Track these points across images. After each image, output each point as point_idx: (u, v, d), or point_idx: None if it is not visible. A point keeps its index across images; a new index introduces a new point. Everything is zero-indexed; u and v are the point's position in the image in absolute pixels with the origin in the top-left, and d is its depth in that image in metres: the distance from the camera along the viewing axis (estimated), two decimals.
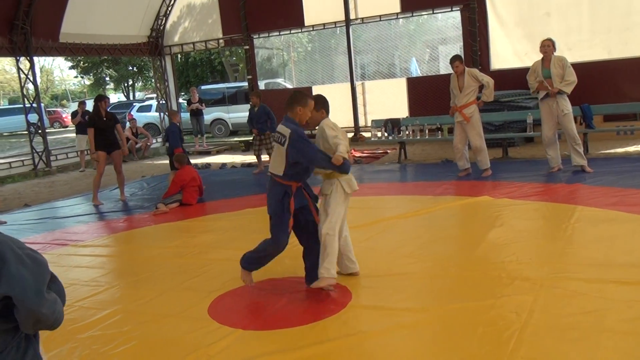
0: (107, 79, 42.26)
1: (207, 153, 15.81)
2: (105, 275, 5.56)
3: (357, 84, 14.83)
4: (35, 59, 14.79)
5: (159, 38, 17.39)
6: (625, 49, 11.55)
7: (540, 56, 8.03)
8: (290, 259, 4.89)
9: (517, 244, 5.11)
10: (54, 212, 9.00)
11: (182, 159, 8.92)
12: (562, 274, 4.28)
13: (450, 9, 13.27)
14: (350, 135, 13.66)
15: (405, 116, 12.91)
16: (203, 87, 22.43)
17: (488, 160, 8.50)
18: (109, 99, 9.65)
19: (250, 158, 12.72)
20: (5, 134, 32.58)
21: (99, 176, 9.19)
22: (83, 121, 13.46)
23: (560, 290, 3.98)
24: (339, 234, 4.36)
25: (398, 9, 13.72)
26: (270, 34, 15.96)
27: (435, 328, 3.65)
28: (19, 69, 14.17)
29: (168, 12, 17.06)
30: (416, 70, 16.36)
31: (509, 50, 12.76)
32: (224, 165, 12.79)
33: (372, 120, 12.36)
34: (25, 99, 14.40)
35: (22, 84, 14.32)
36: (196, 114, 16.39)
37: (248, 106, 10.98)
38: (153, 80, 21.77)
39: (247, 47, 16.09)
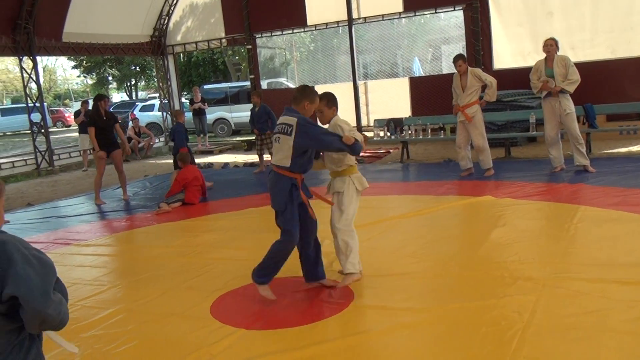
0: (110, 78, 42.31)
1: (210, 152, 15.82)
2: (108, 275, 5.57)
3: (360, 83, 14.82)
4: (38, 58, 14.83)
5: (161, 37, 17.41)
6: (628, 48, 11.52)
7: (543, 55, 8.02)
8: (291, 258, 4.88)
9: (519, 244, 5.10)
10: (57, 212, 9.02)
11: (186, 158, 8.94)
12: (564, 274, 4.27)
13: (452, 8, 13.26)
14: None
15: (407, 116, 12.90)
16: (205, 87, 22.44)
17: (490, 160, 8.49)
18: (108, 98, 9.66)
19: (253, 158, 12.72)
20: (8, 133, 32.65)
21: (99, 176, 9.20)
22: (86, 120, 13.46)
23: (563, 290, 3.98)
24: None
25: (401, 9, 13.71)
26: (273, 34, 15.96)
27: (437, 328, 3.65)
28: (22, 68, 14.20)
29: (171, 11, 17.07)
30: (419, 70, 16.35)
31: (512, 49, 12.75)
32: (226, 164, 12.80)
33: (375, 120, 12.35)
34: (28, 99, 14.44)
35: (25, 84, 14.35)
36: (199, 114, 16.39)
37: (250, 106, 10.99)
38: (156, 79, 21.79)
39: (250, 46, 16.09)
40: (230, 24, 16.22)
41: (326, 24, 14.84)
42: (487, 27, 12.82)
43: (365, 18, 14.38)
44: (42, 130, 14.53)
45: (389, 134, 11.44)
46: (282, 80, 20.56)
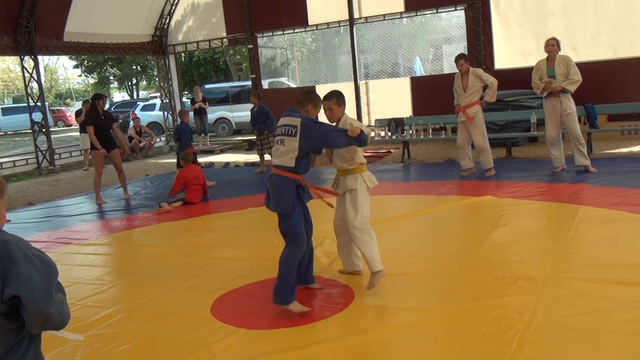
0: (111, 77, 42.35)
1: (211, 152, 15.82)
2: (109, 274, 5.57)
3: (361, 83, 14.82)
4: (40, 57, 14.85)
5: (162, 37, 17.42)
6: (630, 48, 11.51)
7: (544, 55, 8.01)
8: None
9: (520, 244, 5.10)
10: (58, 211, 9.02)
11: (188, 157, 8.96)
12: (565, 274, 4.27)
13: (454, 8, 13.26)
14: None
15: (408, 115, 12.90)
16: (207, 86, 22.46)
17: (491, 160, 8.48)
18: (106, 97, 9.66)
19: (254, 157, 12.72)
20: (9, 132, 32.69)
21: (98, 176, 9.21)
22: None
23: (563, 290, 3.97)
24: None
25: (402, 8, 13.72)
26: (274, 33, 15.97)
27: (438, 328, 3.65)
28: (23, 67, 14.22)
29: (172, 11, 17.08)
30: (420, 70, 16.34)
31: (513, 49, 12.74)
32: (227, 164, 12.80)
33: (376, 120, 12.35)
34: (30, 98, 14.45)
35: (27, 83, 14.37)
36: (200, 113, 16.40)
37: (251, 105, 10.99)
38: (157, 79, 21.79)
39: (251, 46, 16.10)
40: (231, 23, 16.23)
41: (327, 23, 14.85)
42: (488, 27, 12.81)
43: (366, 18, 14.38)
44: (43, 130, 14.54)
45: (389, 133, 11.44)
46: (283, 80, 20.57)
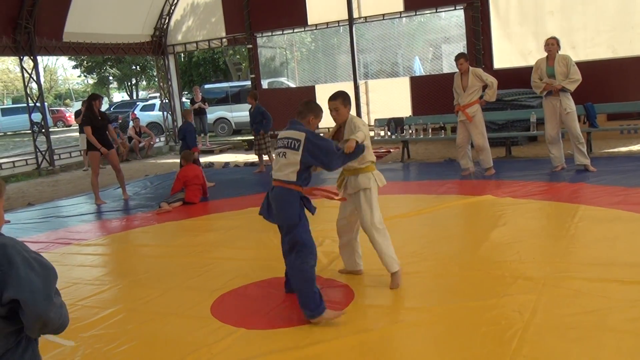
0: (111, 78, 42.34)
1: (210, 152, 15.82)
2: (108, 274, 5.57)
3: (360, 82, 14.81)
4: (39, 58, 14.83)
5: (162, 37, 17.41)
6: (629, 47, 11.50)
7: (544, 54, 8.01)
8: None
9: (520, 243, 5.10)
10: (58, 211, 9.02)
11: (189, 156, 8.97)
12: (565, 273, 4.27)
13: (453, 8, 13.25)
14: None
15: (408, 115, 12.90)
16: (206, 86, 22.46)
17: (491, 160, 8.48)
18: (102, 97, 9.65)
19: (253, 157, 12.71)
20: (9, 133, 32.67)
21: (95, 176, 9.20)
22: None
23: (563, 289, 3.97)
24: (357, 230, 4.52)
25: (401, 8, 13.71)
26: (274, 33, 15.96)
27: (437, 327, 3.65)
28: (22, 68, 14.21)
29: (171, 11, 17.08)
30: (419, 69, 16.33)
31: (513, 49, 12.73)
32: (227, 164, 12.80)
33: (375, 119, 12.35)
34: (29, 98, 14.44)
35: (26, 84, 14.36)
36: (199, 113, 16.39)
37: (251, 106, 10.99)
38: (156, 79, 21.79)
39: (250, 46, 16.09)
40: (230, 23, 16.22)
41: (327, 23, 14.84)
42: (488, 26, 12.81)
43: (365, 17, 14.37)
44: (43, 130, 14.53)
45: (389, 133, 11.44)
46: (282, 79, 20.56)
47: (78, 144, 15.87)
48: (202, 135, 16.65)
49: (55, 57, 45.10)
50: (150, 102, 24.69)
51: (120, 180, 9.49)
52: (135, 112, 21.72)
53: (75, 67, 40.35)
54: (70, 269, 5.66)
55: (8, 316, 1.92)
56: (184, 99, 20.41)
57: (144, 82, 44.60)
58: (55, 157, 15.17)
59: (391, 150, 12.47)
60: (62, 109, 42.15)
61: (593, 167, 7.94)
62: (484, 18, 12.78)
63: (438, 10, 13.71)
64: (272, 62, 20.24)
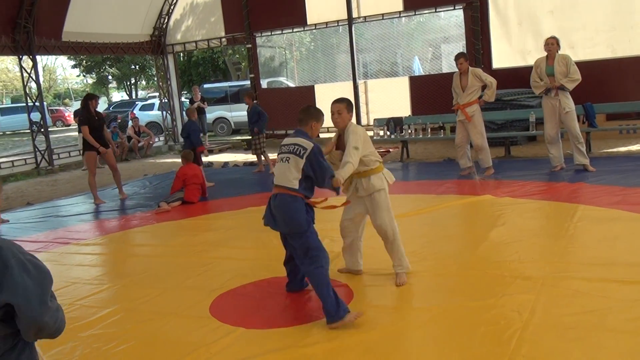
0: (110, 77, 42.31)
1: (210, 151, 15.80)
2: (107, 274, 5.57)
3: (360, 82, 14.81)
4: (38, 57, 14.81)
5: (161, 37, 17.39)
6: (628, 47, 11.50)
7: (543, 54, 8.01)
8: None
9: (519, 243, 5.10)
10: (56, 211, 9.01)
11: (189, 156, 8.96)
12: (564, 273, 4.27)
13: (452, 8, 13.25)
14: None
15: (407, 115, 12.90)
16: (205, 86, 22.43)
17: (490, 159, 8.48)
18: (98, 97, 9.65)
19: (253, 157, 12.70)
20: (8, 132, 32.63)
21: (92, 176, 9.19)
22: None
23: (562, 289, 3.97)
24: (362, 231, 4.56)
25: (401, 8, 13.71)
26: (273, 33, 15.95)
27: (436, 327, 3.65)
28: (21, 67, 14.19)
29: (170, 10, 17.06)
30: (419, 69, 16.32)
31: (512, 48, 12.73)
32: (226, 164, 12.80)
33: (375, 119, 12.35)
34: (28, 98, 14.42)
35: (25, 83, 14.34)
36: (198, 113, 16.33)
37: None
38: (155, 78, 21.78)
39: (250, 45, 16.08)
40: (230, 23, 16.21)
41: (326, 23, 14.83)
42: (487, 26, 12.81)
43: (365, 17, 14.36)
44: (42, 130, 14.51)
45: (388, 133, 11.44)
46: (282, 79, 20.54)
47: (77, 144, 15.84)
48: (202, 135, 16.62)
49: (54, 57, 45.06)
50: (149, 101, 24.65)
51: (117, 180, 9.49)
52: (134, 111, 21.69)
53: (74, 66, 40.32)
54: (69, 269, 5.66)
55: (4, 319, 1.89)
56: (183, 99, 20.39)
57: (143, 82, 44.55)
58: (54, 156, 15.15)
59: (390, 150, 12.46)
60: (61, 108, 42.07)
61: (592, 167, 7.94)
62: (483, 18, 12.78)
63: (437, 10, 13.70)
64: (272, 62, 20.20)
